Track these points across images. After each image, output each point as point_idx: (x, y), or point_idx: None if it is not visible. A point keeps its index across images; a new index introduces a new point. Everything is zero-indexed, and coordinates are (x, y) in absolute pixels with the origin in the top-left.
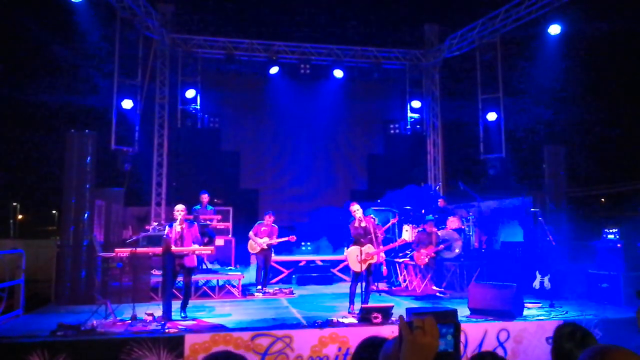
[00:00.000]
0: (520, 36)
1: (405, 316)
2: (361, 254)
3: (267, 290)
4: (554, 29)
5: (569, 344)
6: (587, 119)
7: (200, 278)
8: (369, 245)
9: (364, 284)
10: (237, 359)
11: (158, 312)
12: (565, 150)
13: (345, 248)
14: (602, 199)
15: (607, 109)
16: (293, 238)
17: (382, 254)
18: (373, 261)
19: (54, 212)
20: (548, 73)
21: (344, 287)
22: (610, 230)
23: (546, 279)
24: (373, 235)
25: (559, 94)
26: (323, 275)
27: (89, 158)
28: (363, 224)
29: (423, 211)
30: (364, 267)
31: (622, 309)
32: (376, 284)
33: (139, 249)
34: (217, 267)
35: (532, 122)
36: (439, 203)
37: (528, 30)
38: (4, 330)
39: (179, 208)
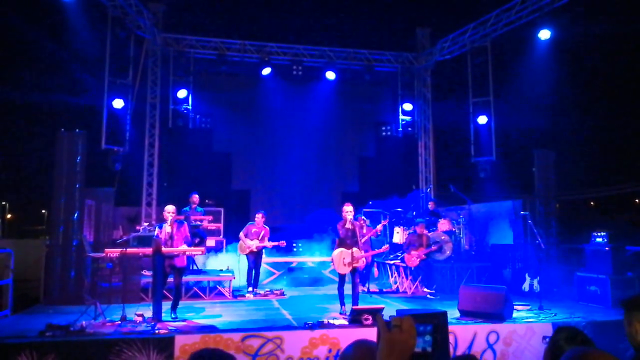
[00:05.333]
0: (510, 40)
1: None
2: (347, 257)
3: (257, 292)
4: (544, 34)
5: (568, 346)
6: (576, 124)
7: (190, 279)
8: (357, 249)
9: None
10: (225, 357)
11: (148, 313)
12: (555, 154)
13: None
14: (592, 203)
15: (596, 113)
16: (283, 243)
17: (363, 259)
18: (357, 265)
19: (43, 211)
20: (538, 77)
21: (334, 289)
22: (599, 234)
23: (535, 282)
24: (359, 238)
25: (549, 98)
26: (314, 276)
27: (79, 157)
28: (350, 226)
29: (414, 213)
30: (349, 269)
31: (610, 312)
32: (367, 285)
33: (129, 250)
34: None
35: (522, 125)
36: (429, 205)
37: (518, 35)
38: None
39: (169, 209)
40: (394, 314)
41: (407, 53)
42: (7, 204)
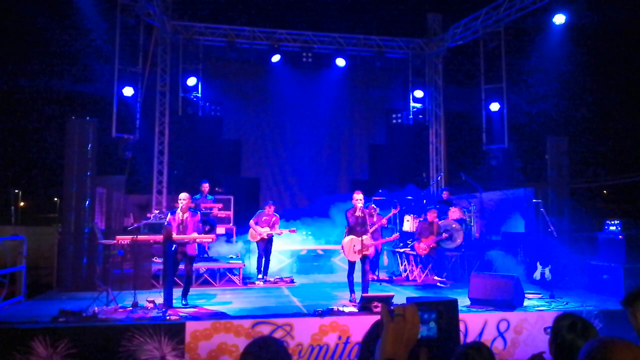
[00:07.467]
0: (524, 26)
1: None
2: (357, 245)
3: (267, 279)
4: (559, 19)
5: (570, 335)
6: (590, 110)
7: (201, 266)
8: (367, 237)
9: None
10: (274, 344)
11: (159, 299)
12: (568, 142)
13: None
14: (605, 191)
15: (610, 100)
16: (294, 230)
17: (373, 247)
18: (367, 253)
19: (55, 199)
20: (552, 63)
21: (344, 276)
22: (612, 222)
23: (547, 270)
24: (368, 226)
25: (562, 84)
26: (324, 264)
27: (89, 145)
28: (360, 214)
29: (424, 201)
30: (359, 257)
31: None
32: (377, 273)
33: (140, 237)
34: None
35: (535, 112)
36: (443, 195)
37: (532, 20)
38: (6, 316)
39: (183, 197)
40: (404, 301)
41: (418, 39)
42: (20, 192)
